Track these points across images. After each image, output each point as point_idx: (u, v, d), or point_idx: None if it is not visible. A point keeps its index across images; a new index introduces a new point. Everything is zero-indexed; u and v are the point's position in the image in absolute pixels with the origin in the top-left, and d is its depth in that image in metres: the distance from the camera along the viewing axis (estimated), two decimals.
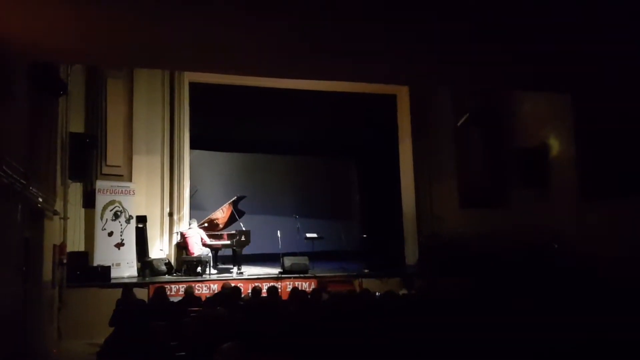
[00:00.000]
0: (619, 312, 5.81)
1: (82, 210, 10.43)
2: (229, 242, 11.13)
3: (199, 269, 10.38)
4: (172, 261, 11.17)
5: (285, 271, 10.47)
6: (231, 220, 11.72)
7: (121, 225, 10.49)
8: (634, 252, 6.74)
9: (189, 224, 11.14)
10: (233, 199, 11.67)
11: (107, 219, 10.36)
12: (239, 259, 11.01)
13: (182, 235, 11.03)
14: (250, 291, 8.11)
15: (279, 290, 8.15)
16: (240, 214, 11.75)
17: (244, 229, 11.42)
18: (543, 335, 4.85)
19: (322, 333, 4.85)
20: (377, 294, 7.80)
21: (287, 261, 10.63)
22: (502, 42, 4.90)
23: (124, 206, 10.58)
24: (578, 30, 4.59)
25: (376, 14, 4.17)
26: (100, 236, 10.23)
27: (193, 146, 12.25)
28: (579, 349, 4.58)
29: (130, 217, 10.64)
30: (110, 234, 10.36)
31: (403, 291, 8.60)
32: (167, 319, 5.83)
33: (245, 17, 4.17)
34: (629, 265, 6.76)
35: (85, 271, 9.48)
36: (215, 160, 15.27)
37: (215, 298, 7.31)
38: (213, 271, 10.65)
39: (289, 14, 4.12)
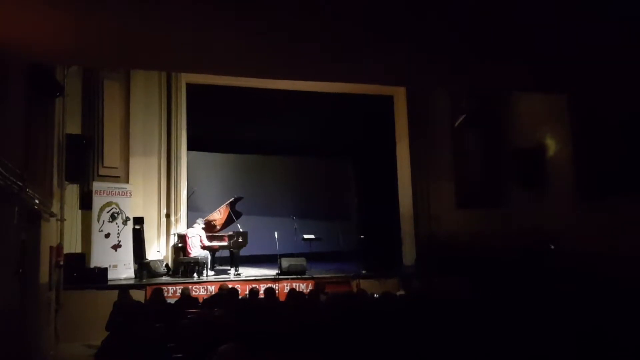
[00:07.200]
0: (618, 312, 5.83)
1: (79, 211, 10.42)
2: (226, 243, 11.13)
3: (196, 271, 10.37)
4: (170, 263, 11.17)
5: (282, 272, 10.46)
6: (228, 221, 11.72)
7: (118, 226, 10.48)
8: (633, 252, 6.74)
9: (195, 222, 11.11)
10: (230, 200, 11.67)
11: (104, 221, 10.35)
12: (236, 260, 11.00)
13: (183, 236, 11.01)
14: (247, 292, 8.10)
15: (277, 291, 8.16)
16: (238, 215, 11.75)
17: (241, 230, 11.43)
18: (540, 337, 4.86)
19: (319, 334, 4.85)
20: (374, 295, 7.81)
21: (285, 262, 10.63)
22: (499, 43, 4.91)
23: (121, 208, 10.56)
24: (575, 29, 4.60)
25: (372, 14, 4.17)
26: (97, 238, 10.22)
27: (190, 147, 12.25)
28: (577, 350, 4.59)
29: (127, 218, 10.62)
30: (107, 235, 10.34)
31: (400, 292, 8.61)
32: (165, 321, 5.82)
33: (241, 17, 4.17)
34: (628, 264, 6.77)
35: (82, 273, 9.46)
36: (213, 161, 15.26)
37: (212, 299, 7.31)
38: (210, 272, 10.64)
39: (284, 14, 4.13)
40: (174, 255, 11.33)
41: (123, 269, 10.30)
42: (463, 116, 10.69)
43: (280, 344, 4.46)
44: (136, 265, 10.44)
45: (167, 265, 10.93)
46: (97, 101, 10.90)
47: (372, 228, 13.60)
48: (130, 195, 10.82)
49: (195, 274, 10.29)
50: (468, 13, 4.17)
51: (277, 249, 11.52)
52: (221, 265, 11.78)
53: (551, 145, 8.96)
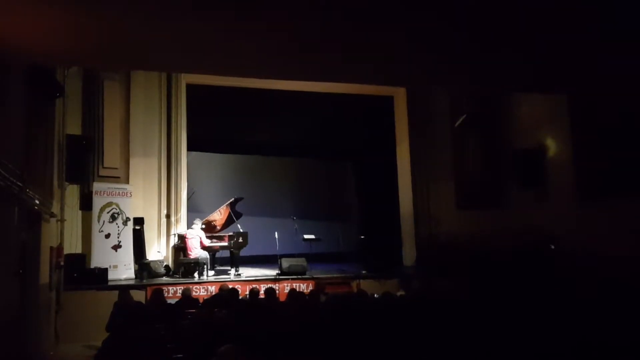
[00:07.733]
0: (618, 312, 5.83)
1: (79, 212, 10.41)
2: (226, 243, 11.12)
3: (196, 271, 10.37)
4: (170, 263, 11.17)
5: (282, 273, 10.46)
6: (229, 222, 11.72)
7: (118, 227, 10.48)
8: (633, 252, 6.74)
9: (193, 223, 11.12)
10: (230, 200, 11.66)
11: (104, 221, 10.34)
12: (236, 261, 10.99)
13: (183, 237, 11.02)
14: (247, 293, 8.10)
15: (277, 292, 8.15)
16: (238, 215, 11.75)
17: (241, 230, 11.42)
18: (540, 337, 4.86)
19: (319, 335, 4.85)
20: (374, 295, 7.80)
21: (285, 263, 10.62)
22: (499, 42, 4.91)
23: (121, 208, 10.56)
24: (575, 30, 4.60)
25: (372, 13, 4.17)
26: (97, 238, 10.21)
27: (190, 148, 12.24)
28: (577, 350, 4.58)
29: (128, 219, 10.62)
30: (108, 236, 10.33)
31: (400, 292, 8.61)
32: (165, 321, 5.82)
33: (240, 18, 4.17)
34: (628, 264, 6.77)
35: (83, 273, 9.46)
36: (213, 162, 15.25)
37: (212, 300, 7.30)
38: (210, 273, 10.63)
39: (282, 13, 4.13)
40: (174, 256, 11.33)
41: (123, 270, 10.30)
42: (463, 116, 10.69)
43: (280, 344, 4.47)
44: (136, 266, 10.43)
45: (167, 265, 10.93)
46: (97, 102, 10.89)
47: (372, 228, 13.62)
48: (131, 196, 10.81)
49: (195, 275, 10.30)
50: (468, 12, 4.17)
51: (277, 249, 11.52)
52: (221, 265, 11.76)
53: (551, 146, 8.96)
